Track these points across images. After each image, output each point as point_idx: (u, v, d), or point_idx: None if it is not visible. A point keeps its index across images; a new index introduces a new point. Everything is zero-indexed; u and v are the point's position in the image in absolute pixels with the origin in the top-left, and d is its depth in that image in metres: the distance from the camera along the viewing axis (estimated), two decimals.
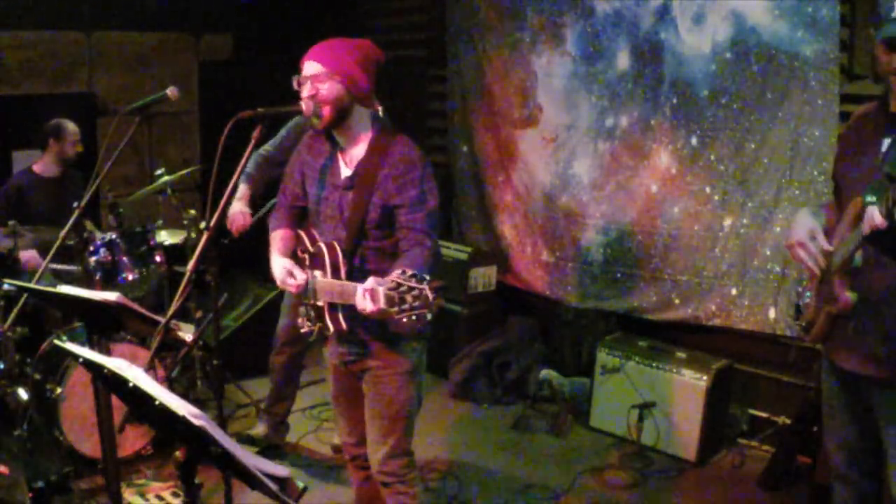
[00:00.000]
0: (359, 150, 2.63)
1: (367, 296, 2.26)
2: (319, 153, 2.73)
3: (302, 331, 2.72)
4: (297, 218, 2.85)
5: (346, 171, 2.65)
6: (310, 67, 2.56)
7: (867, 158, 2.35)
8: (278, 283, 2.68)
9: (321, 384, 4.93)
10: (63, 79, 5.42)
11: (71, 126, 4.58)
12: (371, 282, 2.28)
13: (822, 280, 2.47)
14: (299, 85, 2.58)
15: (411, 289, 2.15)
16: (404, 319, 2.17)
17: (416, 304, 2.15)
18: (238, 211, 3.80)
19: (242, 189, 3.86)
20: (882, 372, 2.36)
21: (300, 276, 2.61)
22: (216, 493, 3.42)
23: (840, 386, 2.55)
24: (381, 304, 2.20)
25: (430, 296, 2.14)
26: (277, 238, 2.80)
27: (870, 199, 2.18)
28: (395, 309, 2.16)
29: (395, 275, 2.18)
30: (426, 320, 2.18)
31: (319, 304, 2.59)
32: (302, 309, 2.70)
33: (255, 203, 3.92)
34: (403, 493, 2.77)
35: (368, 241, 2.61)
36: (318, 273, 2.60)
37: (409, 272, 2.17)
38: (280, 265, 2.67)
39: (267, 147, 3.87)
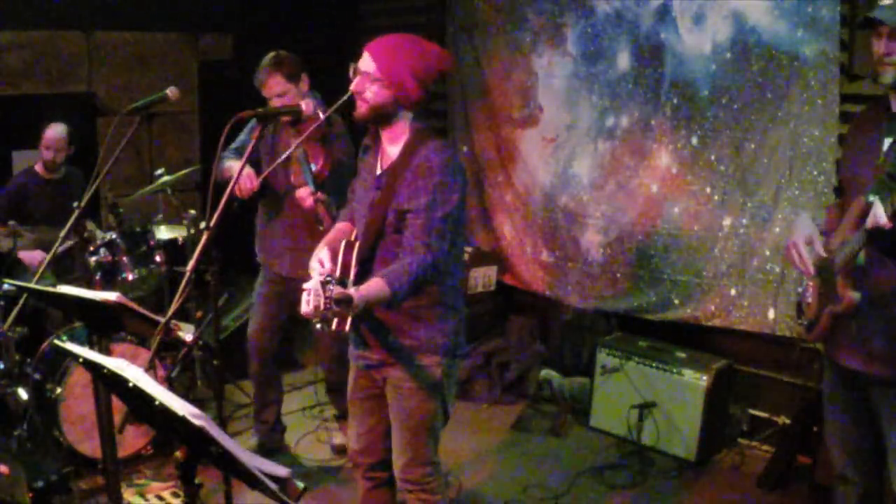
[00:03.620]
0: (394, 150, 2.59)
1: (307, 295, 2.19)
2: (367, 151, 2.71)
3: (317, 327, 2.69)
4: None
5: (379, 170, 2.62)
6: (366, 63, 2.50)
7: (870, 158, 2.36)
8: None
9: (321, 384, 4.93)
10: (63, 79, 5.42)
11: (49, 132, 4.53)
12: (308, 283, 2.21)
13: (824, 280, 2.48)
14: (354, 74, 2.51)
15: (320, 294, 2.13)
16: (317, 325, 2.15)
17: (321, 310, 2.13)
18: (245, 174, 3.59)
19: (236, 162, 3.70)
20: (884, 371, 2.36)
21: (327, 266, 2.54)
22: (216, 493, 3.42)
23: (841, 385, 2.55)
24: (312, 304, 2.15)
25: (322, 303, 2.10)
26: (334, 230, 2.79)
27: (872, 198, 2.19)
28: (317, 314, 2.15)
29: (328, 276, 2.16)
30: (328, 328, 2.17)
31: None
32: None
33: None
34: (424, 500, 2.75)
35: (387, 243, 2.55)
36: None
37: (328, 278, 2.15)
38: (316, 253, 2.60)
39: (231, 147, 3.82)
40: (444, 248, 2.48)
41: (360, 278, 2.51)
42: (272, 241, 3.81)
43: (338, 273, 2.54)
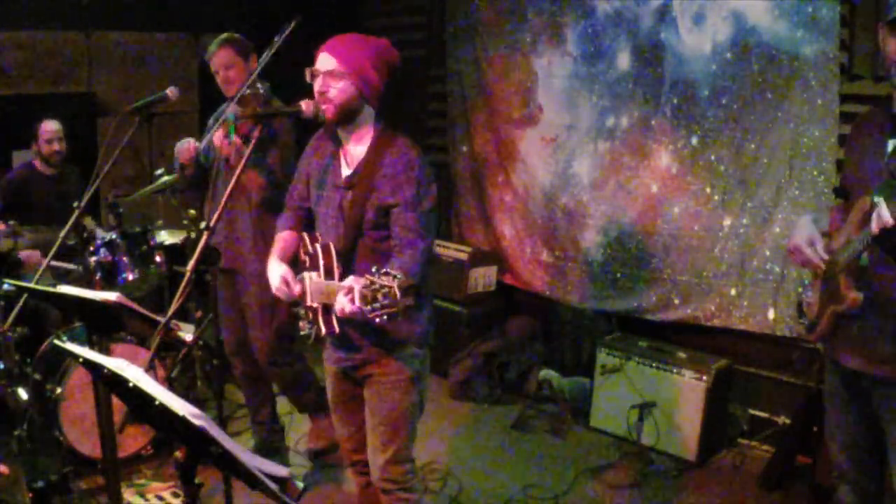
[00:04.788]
0: (360, 150, 2.62)
1: (347, 295, 2.24)
2: (324, 153, 2.73)
3: (301, 333, 2.70)
4: (304, 220, 2.83)
5: (346, 171, 2.64)
6: (324, 62, 2.53)
7: (873, 159, 2.36)
8: (273, 289, 2.66)
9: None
10: (63, 79, 5.42)
11: (47, 125, 4.59)
12: (350, 280, 2.27)
13: (827, 279, 2.48)
14: (312, 77, 2.55)
15: (382, 286, 2.12)
16: (376, 319, 2.14)
17: (386, 301, 2.12)
18: (184, 141, 3.66)
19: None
20: (887, 371, 2.36)
21: (295, 288, 2.59)
22: (216, 493, 3.42)
23: (843, 384, 2.55)
24: (358, 302, 2.18)
25: (398, 293, 2.10)
26: (280, 240, 2.80)
27: (877, 199, 2.19)
28: (368, 307, 2.14)
29: (371, 272, 2.16)
30: (396, 319, 2.15)
31: (314, 305, 2.58)
32: (301, 311, 2.70)
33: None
34: (404, 499, 2.75)
35: (365, 242, 2.59)
36: (313, 274, 2.59)
37: (384, 269, 2.15)
38: (277, 272, 2.65)
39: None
40: (432, 237, 2.57)
41: (343, 278, 2.52)
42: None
43: (322, 277, 2.54)
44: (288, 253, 2.75)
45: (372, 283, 2.13)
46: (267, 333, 3.72)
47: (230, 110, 3.43)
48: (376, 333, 2.62)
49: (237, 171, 2.60)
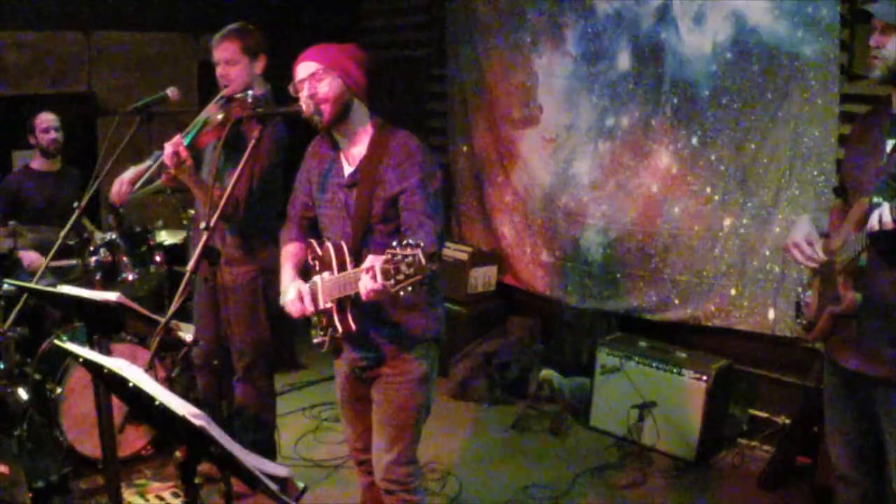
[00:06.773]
0: (360, 149, 2.63)
1: (368, 274, 2.20)
2: (323, 158, 2.73)
3: (315, 341, 2.68)
4: (308, 230, 2.81)
5: (348, 170, 2.65)
6: (305, 68, 2.57)
7: (872, 159, 2.36)
8: (282, 300, 2.62)
9: (321, 384, 4.93)
10: (63, 79, 5.42)
11: (42, 115, 4.59)
12: (370, 259, 2.24)
13: (825, 280, 2.48)
14: (296, 91, 2.58)
15: (405, 257, 2.09)
16: (401, 293, 2.10)
17: (410, 271, 2.08)
18: (117, 179, 3.52)
19: (146, 164, 3.58)
20: (885, 372, 2.36)
21: (308, 305, 2.55)
22: (216, 494, 3.42)
23: (842, 385, 2.55)
24: (380, 278, 2.14)
25: (423, 260, 2.07)
26: (289, 253, 2.77)
27: (876, 200, 2.19)
28: (391, 282, 2.10)
29: (390, 248, 2.13)
30: (421, 288, 2.11)
31: (327, 306, 2.57)
32: (314, 319, 2.67)
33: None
34: (408, 500, 2.75)
35: (375, 236, 2.59)
36: (325, 275, 2.57)
37: (404, 241, 2.11)
38: (292, 286, 2.61)
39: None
40: (441, 220, 2.57)
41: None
42: (194, 240, 3.61)
43: (336, 273, 2.54)
44: (300, 265, 2.72)
45: (394, 255, 2.10)
46: (244, 345, 3.52)
47: (209, 111, 3.30)
48: (393, 329, 2.62)
49: (232, 178, 2.59)
